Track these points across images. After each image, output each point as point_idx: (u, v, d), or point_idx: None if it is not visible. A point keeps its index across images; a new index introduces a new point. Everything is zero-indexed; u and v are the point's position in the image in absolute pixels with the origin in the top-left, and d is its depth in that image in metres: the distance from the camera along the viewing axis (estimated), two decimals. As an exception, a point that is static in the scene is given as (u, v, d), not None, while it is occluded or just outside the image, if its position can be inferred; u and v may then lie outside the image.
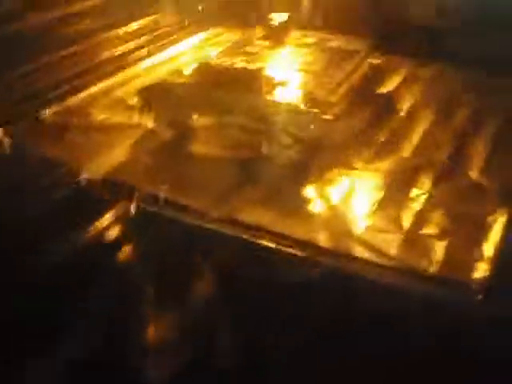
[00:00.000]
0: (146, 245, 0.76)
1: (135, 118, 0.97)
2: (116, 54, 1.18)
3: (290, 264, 0.70)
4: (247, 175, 0.83)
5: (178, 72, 0.91)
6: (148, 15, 1.31)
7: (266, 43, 1.04)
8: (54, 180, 0.91)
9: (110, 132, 0.94)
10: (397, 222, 0.75)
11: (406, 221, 0.75)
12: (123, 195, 0.80)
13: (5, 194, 0.86)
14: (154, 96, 0.89)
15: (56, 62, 1.09)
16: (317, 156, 0.86)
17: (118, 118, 0.99)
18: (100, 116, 0.99)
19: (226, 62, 0.92)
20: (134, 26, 1.26)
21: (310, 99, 0.89)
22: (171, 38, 1.27)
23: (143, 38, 1.25)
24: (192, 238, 0.73)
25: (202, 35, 1.29)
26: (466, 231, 0.73)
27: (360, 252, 0.70)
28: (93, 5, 1.18)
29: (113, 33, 1.23)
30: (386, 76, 1.08)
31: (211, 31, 1.30)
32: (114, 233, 0.81)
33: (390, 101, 1.03)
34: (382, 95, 1.04)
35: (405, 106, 1.02)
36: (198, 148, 0.91)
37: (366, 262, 0.70)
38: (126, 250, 0.77)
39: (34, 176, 0.89)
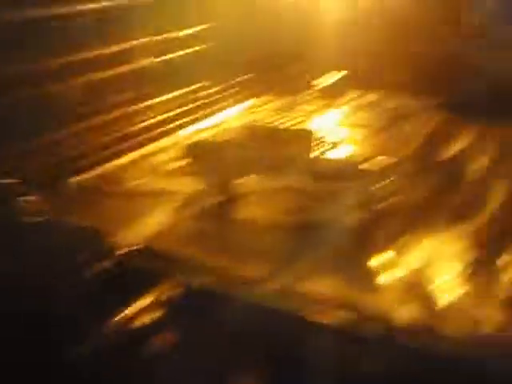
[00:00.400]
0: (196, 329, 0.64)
1: (176, 184, 0.88)
2: (155, 121, 1.11)
3: (361, 345, 0.57)
4: (305, 243, 0.72)
5: (224, 132, 0.82)
6: (192, 83, 1.26)
7: (320, 104, 0.95)
8: (88, 253, 0.83)
9: (148, 198, 0.84)
10: (489, 294, 0.62)
11: (501, 293, 0.62)
12: (165, 268, 0.69)
13: (36, 269, 0.78)
14: (201, 153, 0.80)
15: (93, 128, 1.03)
16: (384, 220, 0.75)
17: (157, 183, 0.90)
18: (137, 182, 0.90)
19: (275, 122, 0.83)
20: (175, 94, 1.21)
21: (370, 160, 0.78)
22: (215, 107, 1.21)
23: (185, 107, 1.19)
24: (249, 317, 0.61)
25: (249, 102, 1.22)
26: None
27: (446, 330, 0.57)
28: (134, 72, 1.13)
29: (154, 101, 1.17)
30: (452, 137, 0.97)
31: (260, 98, 1.23)
32: (155, 315, 0.72)
33: (459, 162, 0.92)
34: (450, 156, 0.94)
35: (477, 167, 0.91)
36: (248, 213, 0.80)
37: (456, 341, 0.56)
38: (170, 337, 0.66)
39: (68, 249, 0.81)
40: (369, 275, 0.66)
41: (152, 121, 1.11)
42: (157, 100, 1.17)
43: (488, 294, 0.62)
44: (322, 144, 0.80)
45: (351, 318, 0.59)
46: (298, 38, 1.23)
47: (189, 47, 1.24)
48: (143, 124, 1.09)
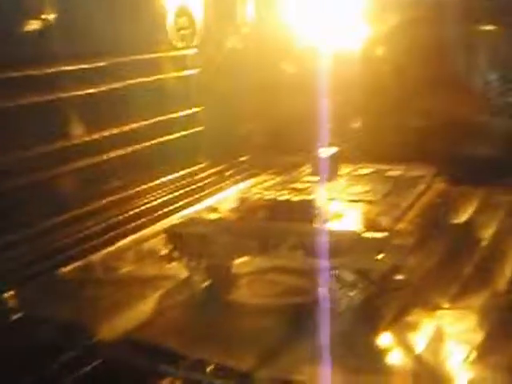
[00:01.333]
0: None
1: (167, 269, 0.83)
2: (148, 206, 1.07)
3: None
4: (302, 325, 0.65)
5: (213, 209, 0.78)
6: (187, 167, 1.23)
7: (316, 178, 0.91)
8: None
9: (135, 285, 0.79)
10: (509, 372, 0.55)
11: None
12: (148, 360, 0.63)
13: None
14: (185, 235, 0.75)
15: (84, 216, 0.99)
16: (389, 295, 0.69)
17: (147, 270, 0.85)
18: (126, 269, 0.85)
19: (270, 195, 0.78)
20: (170, 177, 1.18)
21: (373, 228, 0.72)
22: (210, 189, 1.17)
23: (180, 191, 1.15)
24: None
25: (244, 184, 1.18)
26: None
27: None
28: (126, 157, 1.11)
29: (147, 185, 1.14)
30: (457, 203, 0.92)
31: (255, 179, 1.20)
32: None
33: (467, 229, 0.87)
34: (457, 223, 0.88)
35: (486, 234, 0.85)
36: (240, 297, 0.75)
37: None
38: None
39: (44, 348, 0.75)
40: (372, 358, 0.60)
41: (141, 207, 1.07)
42: (150, 184, 1.14)
43: (507, 375, 0.55)
44: (319, 215, 0.74)
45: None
46: (293, 115, 1.22)
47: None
48: (135, 211, 1.06)
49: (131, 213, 1.04)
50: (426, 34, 1.14)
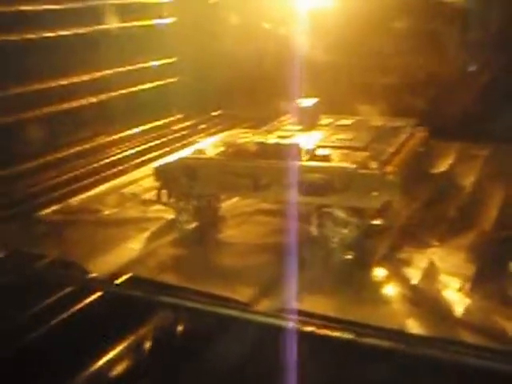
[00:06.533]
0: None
1: (150, 212, 0.82)
2: (125, 155, 1.05)
3: (376, 357, 0.50)
4: (294, 261, 0.65)
5: (201, 152, 0.77)
6: (160, 118, 1.21)
7: (298, 127, 0.90)
8: (56, 285, 0.78)
9: (120, 226, 0.78)
10: (504, 299, 0.57)
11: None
12: (145, 296, 0.63)
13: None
14: (175, 174, 0.74)
15: (59, 161, 0.96)
16: (380, 232, 0.70)
17: (130, 212, 0.83)
18: (110, 211, 0.83)
19: (257, 139, 0.77)
20: (145, 127, 1.16)
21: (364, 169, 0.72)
22: (187, 140, 1.15)
23: (155, 141, 1.13)
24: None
25: (222, 135, 1.17)
26: None
27: (468, 337, 0.51)
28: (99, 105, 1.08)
29: (124, 134, 1.12)
30: (437, 153, 0.94)
31: (233, 131, 1.19)
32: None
33: (450, 177, 0.89)
34: (441, 172, 0.91)
35: (467, 182, 0.87)
36: (230, 236, 0.74)
37: (477, 348, 0.50)
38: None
39: (32, 287, 0.74)
40: (370, 290, 0.60)
41: (120, 155, 1.05)
42: (127, 133, 1.12)
43: (502, 301, 0.57)
44: (307, 156, 0.73)
45: (364, 333, 0.52)
46: (269, 64, 1.21)
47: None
48: (109, 159, 1.03)
49: (104, 162, 1.02)
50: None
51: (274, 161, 0.71)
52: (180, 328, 0.92)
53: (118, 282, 0.63)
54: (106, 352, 0.85)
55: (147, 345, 0.90)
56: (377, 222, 0.69)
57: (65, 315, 0.81)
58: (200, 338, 0.87)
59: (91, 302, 0.83)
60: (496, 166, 0.94)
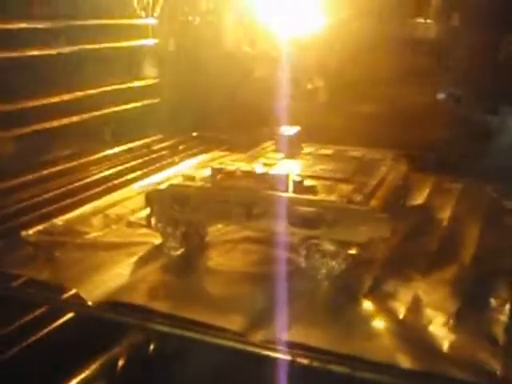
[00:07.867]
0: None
1: (137, 235, 0.82)
2: (106, 174, 1.05)
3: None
4: (286, 291, 0.67)
5: (190, 178, 0.78)
6: (140, 138, 1.21)
7: (281, 155, 0.92)
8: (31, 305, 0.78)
9: (108, 250, 0.78)
10: (488, 336, 0.59)
11: (499, 334, 0.59)
12: (117, 318, 0.64)
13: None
14: (164, 202, 0.74)
15: (42, 180, 0.96)
16: (365, 266, 0.72)
17: (117, 234, 0.83)
18: (95, 234, 0.83)
19: (244, 167, 0.79)
20: (126, 147, 1.16)
21: (350, 203, 0.74)
22: (167, 160, 1.16)
23: (136, 160, 1.14)
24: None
25: (202, 157, 1.19)
26: None
27: (454, 373, 0.54)
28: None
29: (104, 154, 1.12)
30: (415, 185, 0.97)
31: (211, 154, 1.21)
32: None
33: (427, 210, 0.92)
34: (418, 204, 0.94)
35: (445, 215, 0.91)
36: (218, 264, 0.75)
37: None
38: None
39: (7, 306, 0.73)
40: (358, 322, 0.62)
41: (102, 174, 1.05)
42: (108, 153, 1.12)
43: (487, 338, 0.59)
44: (296, 188, 0.75)
45: (355, 367, 0.54)
46: (251, 92, 1.23)
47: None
48: (92, 178, 1.03)
49: (84, 182, 1.02)
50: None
51: (266, 191, 0.73)
52: (152, 347, 0.92)
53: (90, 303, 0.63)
54: (80, 371, 0.85)
55: (120, 363, 0.90)
56: (362, 253, 0.72)
57: (39, 335, 0.81)
58: (173, 358, 0.88)
59: (66, 322, 0.83)
60: (469, 200, 0.97)
